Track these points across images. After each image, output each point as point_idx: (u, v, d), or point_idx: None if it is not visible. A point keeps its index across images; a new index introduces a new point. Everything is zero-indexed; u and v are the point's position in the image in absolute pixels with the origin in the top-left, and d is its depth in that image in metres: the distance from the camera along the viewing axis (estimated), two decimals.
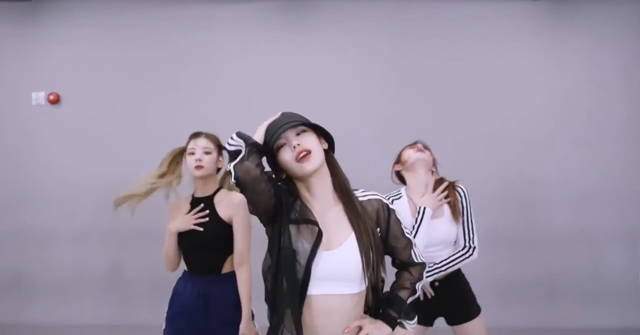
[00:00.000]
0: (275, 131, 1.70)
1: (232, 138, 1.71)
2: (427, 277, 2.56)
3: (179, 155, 2.65)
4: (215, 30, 5.13)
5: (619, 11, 4.99)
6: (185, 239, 2.55)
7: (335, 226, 1.70)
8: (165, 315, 2.61)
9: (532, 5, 5.07)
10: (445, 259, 2.61)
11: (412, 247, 1.82)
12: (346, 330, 1.69)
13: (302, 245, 1.65)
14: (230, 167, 1.65)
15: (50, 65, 5.18)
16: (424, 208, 2.55)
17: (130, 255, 5.04)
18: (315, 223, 1.67)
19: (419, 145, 2.71)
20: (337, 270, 1.66)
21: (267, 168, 1.74)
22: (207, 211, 2.53)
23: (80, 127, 5.13)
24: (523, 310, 4.82)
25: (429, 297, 2.62)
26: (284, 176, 1.77)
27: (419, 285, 1.84)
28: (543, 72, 5.03)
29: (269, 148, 1.72)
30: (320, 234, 1.65)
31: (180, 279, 2.62)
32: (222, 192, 2.59)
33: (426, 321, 2.66)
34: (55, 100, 5.17)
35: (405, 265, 1.82)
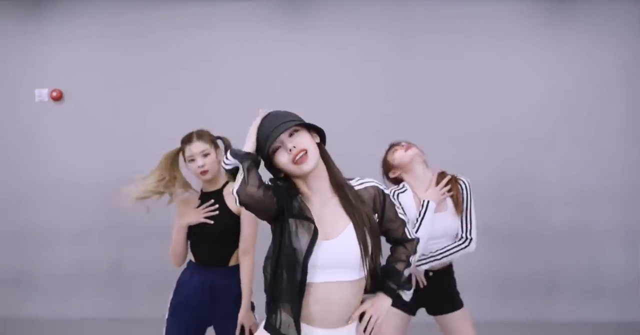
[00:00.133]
0: (268, 136, 1.72)
1: (227, 158, 1.75)
2: (423, 264, 2.59)
3: (174, 159, 2.62)
4: (215, 28, 5.15)
5: (619, 9, 5.00)
6: (195, 232, 2.56)
7: (334, 217, 1.75)
8: (168, 305, 2.62)
9: (532, 4, 5.08)
10: (442, 248, 2.62)
11: (405, 226, 1.89)
12: (350, 321, 1.75)
13: (300, 242, 1.70)
14: (234, 192, 1.70)
15: (53, 63, 5.21)
16: (428, 201, 2.58)
17: (131, 252, 5.07)
18: (312, 221, 1.71)
19: (403, 144, 2.72)
20: (337, 258, 1.71)
21: (266, 174, 1.76)
22: (217, 205, 2.54)
23: (82, 124, 5.16)
24: (522, 305, 4.85)
25: (421, 286, 2.65)
26: (282, 175, 1.80)
27: (412, 259, 1.91)
28: (543, 70, 5.04)
29: (264, 154, 1.74)
30: (316, 232, 1.70)
31: (185, 270, 2.64)
32: (231, 184, 2.57)
33: (410, 310, 2.69)
34: (58, 97, 5.19)
35: (400, 241, 1.90)
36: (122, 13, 5.18)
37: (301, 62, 5.09)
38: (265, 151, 1.73)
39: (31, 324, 4.78)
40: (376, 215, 1.81)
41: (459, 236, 2.64)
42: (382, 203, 1.82)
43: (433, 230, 2.58)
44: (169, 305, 2.62)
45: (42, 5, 5.25)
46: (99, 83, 5.17)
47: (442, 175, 2.69)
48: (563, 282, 4.92)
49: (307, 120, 1.81)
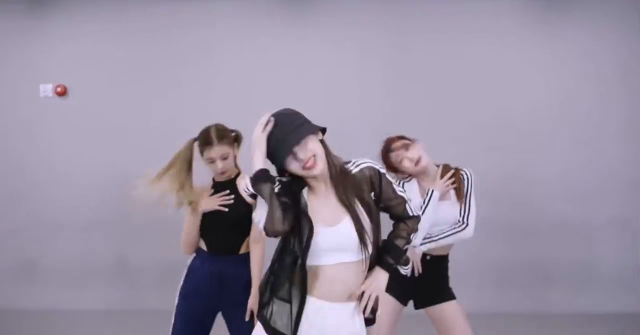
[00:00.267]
0: (279, 148, 1.75)
1: (247, 188, 1.80)
2: (421, 245, 2.69)
3: (189, 164, 2.59)
4: (216, 25, 5.22)
5: (615, 6, 5.04)
6: (208, 220, 2.59)
7: (335, 207, 1.83)
8: (178, 291, 2.66)
9: (529, 1, 5.12)
10: (440, 232, 2.73)
11: (406, 203, 1.93)
12: (351, 297, 1.83)
13: (299, 239, 1.79)
14: (260, 226, 1.78)
15: (57, 59, 5.28)
16: (432, 191, 2.70)
17: (136, 244, 5.13)
18: (310, 220, 1.79)
19: (405, 142, 2.77)
20: (337, 242, 1.80)
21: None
22: (232, 195, 2.55)
23: (86, 119, 5.23)
24: (520, 297, 4.91)
25: (417, 273, 2.72)
26: (286, 174, 1.86)
27: (413, 236, 1.96)
28: (540, 67, 5.08)
29: (277, 164, 1.80)
30: (311, 231, 1.77)
31: (195, 258, 2.67)
32: (244, 173, 2.61)
33: (403, 300, 2.76)
34: (63, 93, 5.26)
35: (401, 218, 1.95)
36: (125, 10, 5.25)
37: (301, 59, 5.15)
38: (278, 163, 1.79)
39: (39, 316, 4.84)
40: (373, 193, 1.87)
41: (457, 221, 2.75)
42: (379, 181, 1.87)
43: (436, 217, 2.69)
44: (179, 291, 2.66)
45: (45, 3, 5.31)
46: (102, 79, 5.24)
47: (446, 167, 2.79)
48: (560, 274, 4.99)
49: (306, 116, 1.85)
